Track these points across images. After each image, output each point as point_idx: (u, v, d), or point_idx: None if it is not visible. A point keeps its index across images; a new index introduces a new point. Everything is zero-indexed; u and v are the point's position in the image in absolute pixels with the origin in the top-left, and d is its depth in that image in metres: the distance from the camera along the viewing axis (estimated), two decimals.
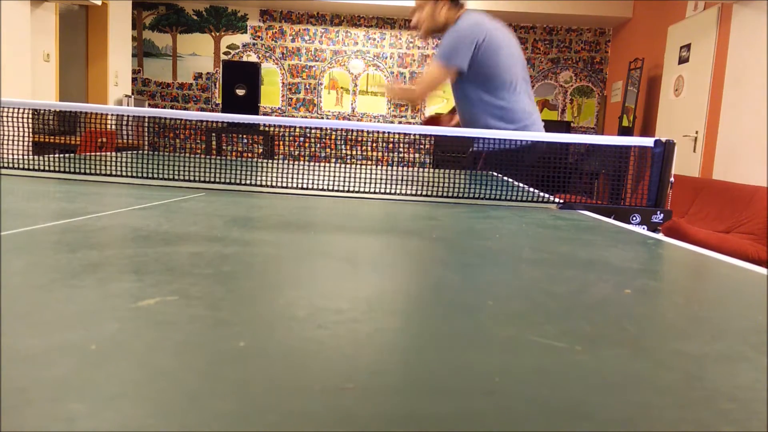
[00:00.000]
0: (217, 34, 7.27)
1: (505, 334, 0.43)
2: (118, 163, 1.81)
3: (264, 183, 1.46)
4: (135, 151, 2.51)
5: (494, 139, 1.94)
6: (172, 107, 7.27)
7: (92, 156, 2.02)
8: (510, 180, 1.93)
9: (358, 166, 1.92)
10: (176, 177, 1.44)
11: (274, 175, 1.75)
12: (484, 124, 2.23)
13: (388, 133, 1.46)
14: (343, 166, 1.66)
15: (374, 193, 1.41)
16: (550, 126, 2.51)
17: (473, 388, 0.33)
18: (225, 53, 7.27)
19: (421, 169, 2.53)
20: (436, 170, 2.50)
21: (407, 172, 2.29)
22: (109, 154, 2.40)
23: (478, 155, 2.29)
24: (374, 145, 7.20)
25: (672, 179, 1.40)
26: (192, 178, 1.44)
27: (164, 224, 0.83)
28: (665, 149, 1.40)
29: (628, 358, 0.39)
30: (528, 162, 1.89)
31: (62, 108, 1.53)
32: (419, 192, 1.48)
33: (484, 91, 2.22)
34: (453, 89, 2.36)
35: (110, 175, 1.49)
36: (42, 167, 1.47)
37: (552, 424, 0.29)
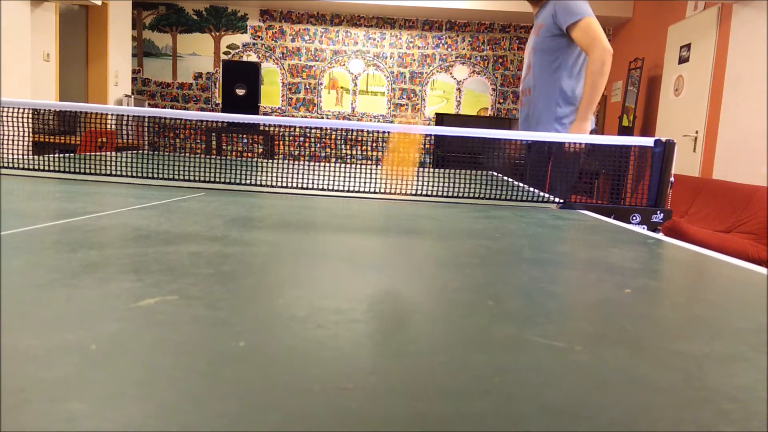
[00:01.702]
0: (217, 34, 7.27)
1: (505, 334, 0.43)
2: (118, 163, 1.81)
3: (264, 183, 1.46)
4: (135, 151, 2.51)
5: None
6: (172, 107, 7.26)
7: (92, 156, 2.02)
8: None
9: (358, 166, 1.92)
10: (176, 177, 1.44)
11: (274, 175, 1.75)
12: (557, 98, 2.22)
13: (389, 133, 1.46)
14: (343, 166, 1.66)
15: (374, 193, 1.41)
16: None
17: (473, 388, 0.33)
18: (225, 53, 7.27)
19: (421, 169, 2.53)
20: (436, 170, 2.50)
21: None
22: (109, 154, 2.40)
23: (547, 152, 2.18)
24: (374, 145, 7.20)
25: (672, 179, 1.40)
26: (192, 178, 1.44)
27: (164, 224, 0.83)
28: (665, 149, 1.40)
29: (628, 358, 0.39)
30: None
31: (62, 108, 1.53)
32: (419, 192, 1.48)
33: (569, 67, 2.20)
34: (536, 53, 2.26)
35: (110, 175, 1.49)
36: (42, 167, 1.47)
37: (552, 424, 0.29)
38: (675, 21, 5.39)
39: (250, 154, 7.32)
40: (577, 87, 2.22)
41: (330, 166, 1.88)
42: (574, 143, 2.01)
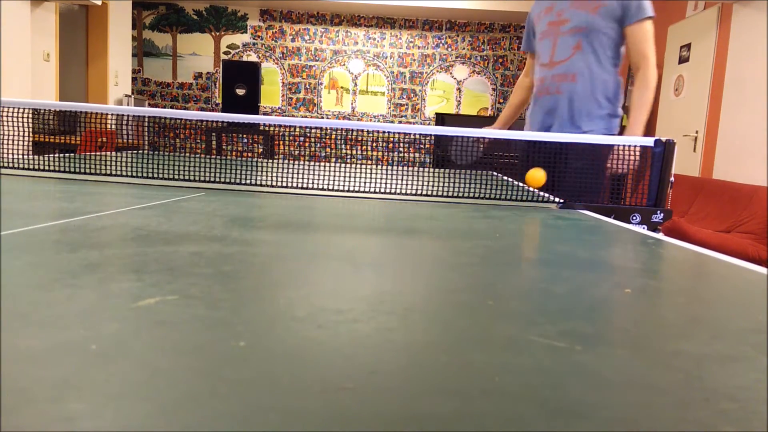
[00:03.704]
0: (217, 33, 7.27)
1: (505, 334, 0.43)
2: (118, 163, 1.81)
3: (264, 183, 1.46)
4: (135, 151, 2.51)
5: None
6: (172, 107, 7.27)
7: (92, 156, 2.02)
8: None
9: (358, 166, 1.92)
10: (176, 177, 1.44)
11: (274, 175, 1.75)
12: (605, 91, 1.94)
13: (388, 132, 1.45)
14: (343, 165, 1.65)
15: (374, 193, 1.41)
16: None
17: (473, 388, 0.33)
18: (225, 53, 7.27)
19: (421, 169, 2.53)
20: (436, 170, 2.50)
21: (407, 171, 2.29)
22: (109, 153, 2.40)
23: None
24: (374, 144, 7.20)
25: (672, 179, 1.40)
26: (192, 177, 1.44)
27: (164, 224, 0.83)
28: (665, 149, 1.40)
29: (628, 358, 0.39)
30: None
31: (62, 108, 1.53)
32: (419, 192, 1.48)
33: (612, 59, 1.93)
34: (590, 35, 1.90)
35: (110, 174, 1.49)
36: (42, 167, 1.47)
37: (552, 424, 0.29)
38: (675, 21, 5.39)
39: (250, 154, 7.32)
40: (619, 85, 1.97)
41: (330, 166, 1.88)
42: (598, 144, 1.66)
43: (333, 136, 6.92)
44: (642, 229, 1.13)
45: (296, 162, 2.87)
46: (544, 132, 1.88)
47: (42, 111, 1.58)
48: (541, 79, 2.02)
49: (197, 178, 1.43)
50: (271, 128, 6.62)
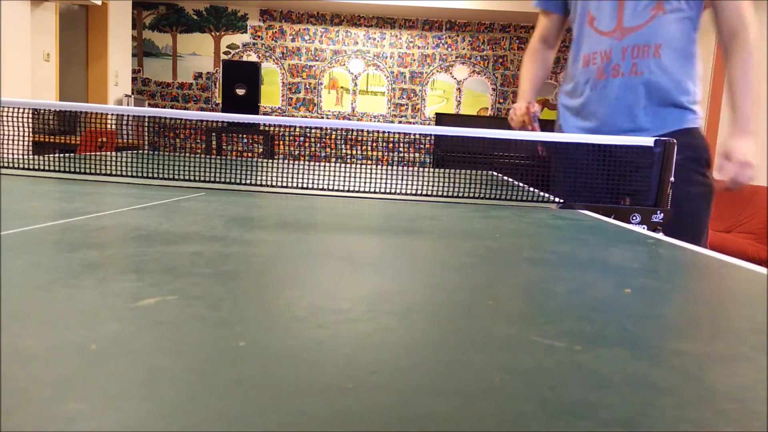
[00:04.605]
0: (217, 33, 7.27)
1: (505, 334, 0.43)
2: (118, 163, 1.81)
3: (264, 183, 1.46)
4: (135, 151, 2.51)
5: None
6: (172, 107, 7.27)
7: (92, 156, 2.02)
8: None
9: (358, 166, 1.92)
10: (176, 177, 1.44)
11: (274, 174, 1.75)
12: (691, 72, 1.50)
13: (388, 132, 1.46)
14: (343, 165, 1.65)
15: (374, 193, 1.41)
16: (551, 125, 2.19)
17: (473, 388, 0.33)
18: (225, 53, 7.27)
19: (421, 169, 2.53)
20: (436, 170, 2.50)
21: (407, 171, 2.29)
22: (109, 153, 2.40)
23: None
24: (374, 144, 7.20)
25: (672, 179, 1.40)
26: (192, 177, 1.44)
27: (164, 224, 0.83)
28: (665, 149, 1.39)
29: (628, 358, 0.39)
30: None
31: (62, 108, 1.53)
32: (419, 192, 1.48)
33: (696, 26, 1.49)
34: (662, 6, 1.41)
35: (110, 174, 1.49)
36: (42, 167, 1.47)
37: (552, 424, 0.29)
38: None
39: (250, 154, 7.32)
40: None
41: (330, 166, 1.89)
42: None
43: (333, 136, 6.91)
44: (642, 229, 1.13)
45: (296, 162, 2.87)
46: (610, 135, 1.40)
47: (42, 111, 1.58)
48: (604, 55, 1.44)
49: (197, 178, 1.43)
50: (271, 128, 6.62)
